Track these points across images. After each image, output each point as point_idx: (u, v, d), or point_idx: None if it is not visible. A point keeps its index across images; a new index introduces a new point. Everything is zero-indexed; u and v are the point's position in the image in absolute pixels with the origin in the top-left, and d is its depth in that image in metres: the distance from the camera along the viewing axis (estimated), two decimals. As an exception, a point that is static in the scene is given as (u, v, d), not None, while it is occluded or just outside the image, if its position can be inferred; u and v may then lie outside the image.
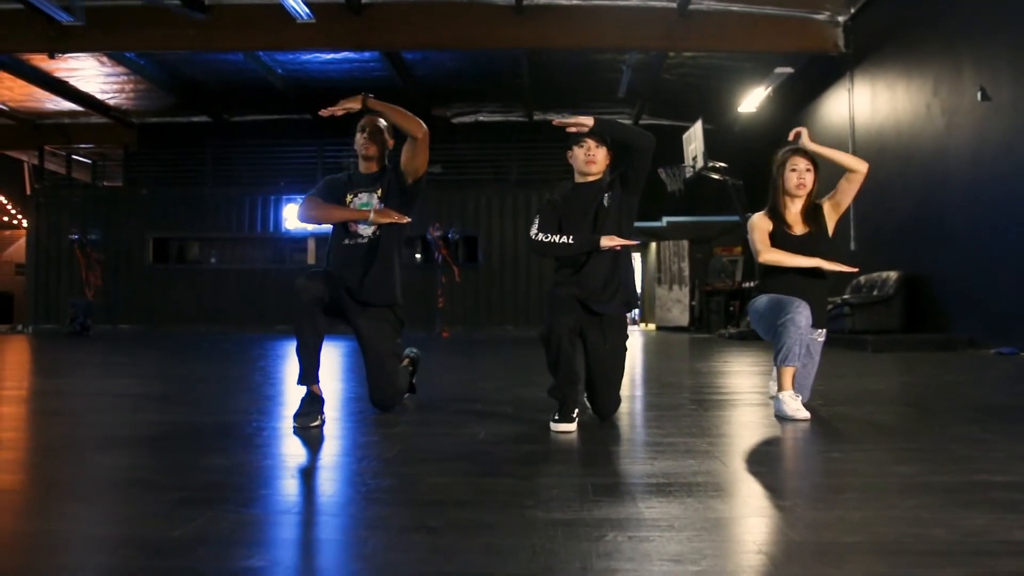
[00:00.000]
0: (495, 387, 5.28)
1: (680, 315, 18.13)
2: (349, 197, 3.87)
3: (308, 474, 2.59)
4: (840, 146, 9.47)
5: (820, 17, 12.61)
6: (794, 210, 3.93)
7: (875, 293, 10.42)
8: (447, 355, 9.45)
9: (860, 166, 3.86)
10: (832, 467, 2.60)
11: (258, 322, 16.45)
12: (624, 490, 2.25)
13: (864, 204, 10.80)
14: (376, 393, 3.82)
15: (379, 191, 3.87)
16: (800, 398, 3.67)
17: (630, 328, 4.83)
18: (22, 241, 19.61)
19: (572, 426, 3.30)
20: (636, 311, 21.87)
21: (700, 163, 13.49)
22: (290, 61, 15.49)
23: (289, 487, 2.36)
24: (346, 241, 3.87)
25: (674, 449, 2.83)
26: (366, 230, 3.83)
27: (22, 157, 20.59)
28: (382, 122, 3.85)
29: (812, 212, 3.92)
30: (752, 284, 15.43)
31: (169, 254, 17.84)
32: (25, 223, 19.13)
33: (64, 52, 13.37)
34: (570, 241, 3.51)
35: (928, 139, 10.15)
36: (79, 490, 2.36)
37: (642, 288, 20.54)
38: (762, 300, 3.93)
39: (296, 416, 3.49)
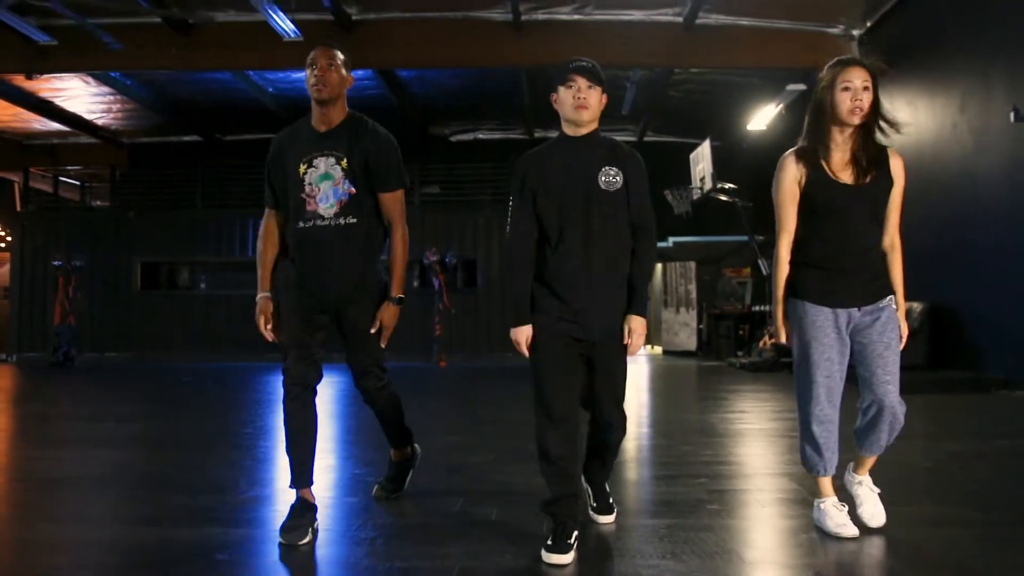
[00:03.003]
0: (483, 463, 4.60)
1: (687, 339, 17.43)
2: (303, 167, 3.05)
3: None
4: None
5: (834, 31, 11.97)
6: (844, 147, 2.91)
7: (898, 325, 9.73)
8: (440, 396, 8.78)
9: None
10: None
11: (250, 351, 15.76)
12: None
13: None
14: (358, 365, 3.20)
15: (344, 162, 3.04)
16: (845, 508, 2.98)
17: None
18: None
19: (568, 558, 2.65)
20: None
21: (708, 184, 12.84)
22: (281, 79, 14.91)
23: None
24: (301, 224, 3.06)
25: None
26: (328, 209, 3.03)
27: (12, 178, 20.04)
28: (339, 55, 3.06)
29: (875, 153, 2.91)
30: (762, 307, 14.80)
31: (158, 279, 17.21)
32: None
33: (41, 73, 12.80)
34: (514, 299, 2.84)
35: (954, 160, 9.48)
36: None
37: (648, 311, 19.88)
38: (794, 316, 2.99)
39: (283, 530, 2.88)
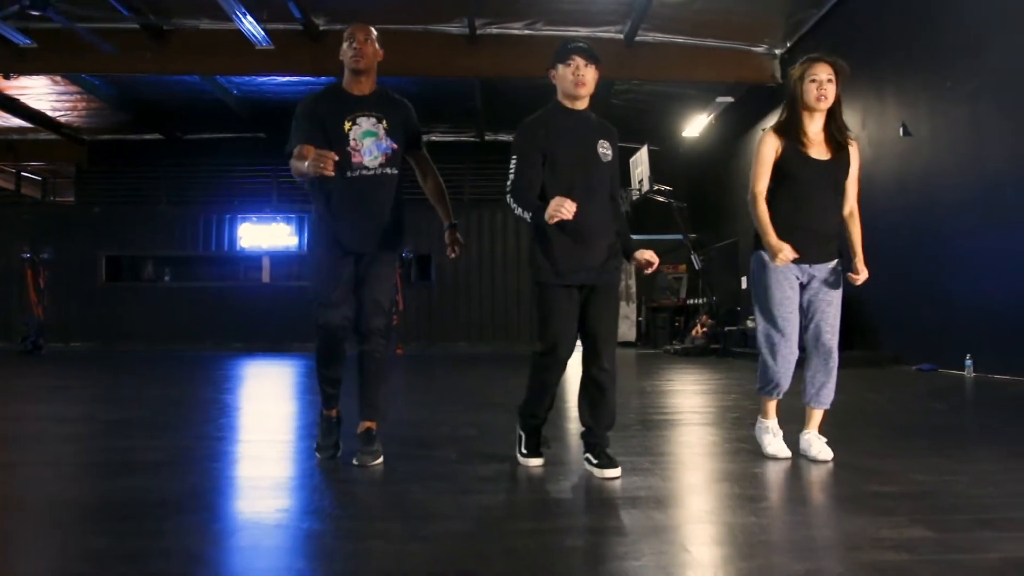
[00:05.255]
0: (457, 409, 5.70)
1: (628, 331, 18.71)
2: (347, 124, 3.36)
3: (317, 489, 2.96)
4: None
5: (758, 50, 13.33)
6: (813, 128, 3.47)
7: (809, 312, 11.05)
8: (405, 374, 9.81)
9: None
10: (753, 482, 3.08)
11: (211, 340, 16.55)
12: (580, 504, 2.69)
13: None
14: (374, 302, 3.43)
15: (384, 122, 3.43)
16: (780, 435, 3.58)
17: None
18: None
19: (540, 460, 3.38)
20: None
21: (646, 186, 14.08)
22: (246, 83, 15.69)
23: (312, 499, 2.73)
24: (349, 174, 3.34)
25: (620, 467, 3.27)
26: (373, 161, 3.38)
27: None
28: (373, 31, 3.44)
29: (839, 136, 3.48)
30: (696, 301, 16.14)
31: (122, 272, 17.84)
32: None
33: (20, 73, 13.43)
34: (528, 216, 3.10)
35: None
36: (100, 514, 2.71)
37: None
38: (759, 267, 3.53)
39: (317, 445, 3.61)
